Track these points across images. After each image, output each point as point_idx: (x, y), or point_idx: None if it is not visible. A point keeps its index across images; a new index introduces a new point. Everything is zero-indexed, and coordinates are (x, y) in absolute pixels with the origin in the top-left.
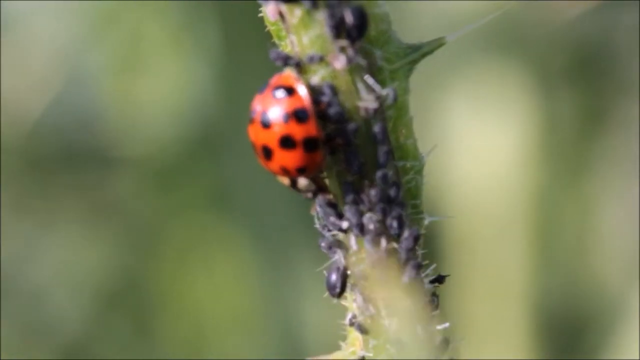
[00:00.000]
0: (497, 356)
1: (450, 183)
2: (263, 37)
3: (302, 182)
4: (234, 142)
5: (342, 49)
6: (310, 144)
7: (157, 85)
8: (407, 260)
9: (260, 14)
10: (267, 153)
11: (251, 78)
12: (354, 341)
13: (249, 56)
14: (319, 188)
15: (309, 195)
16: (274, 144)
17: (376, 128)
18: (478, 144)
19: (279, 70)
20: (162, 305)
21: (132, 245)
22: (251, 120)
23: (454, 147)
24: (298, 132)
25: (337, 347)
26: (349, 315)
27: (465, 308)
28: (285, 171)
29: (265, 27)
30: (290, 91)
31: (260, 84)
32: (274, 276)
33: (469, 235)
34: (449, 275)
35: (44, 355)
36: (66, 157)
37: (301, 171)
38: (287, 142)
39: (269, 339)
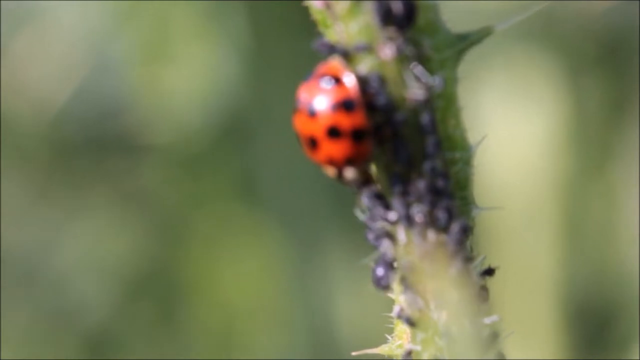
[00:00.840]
0: (526, 347)
1: (480, 173)
2: (291, 25)
3: (349, 173)
4: (262, 130)
5: (391, 38)
6: (358, 135)
7: (185, 73)
8: (456, 252)
9: (293, 1)
10: (314, 144)
11: (279, 66)
12: (401, 334)
13: (277, 44)
14: (366, 179)
15: (356, 186)
16: (320, 134)
17: (424, 118)
18: (506, 134)
19: (306, 58)
20: (189, 294)
21: (159, 233)
22: (297, 110)
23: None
24: (346, 122)
25: (368, 339)
26: (397, 308)
27: (494, 299)
28: (332, 162)
29: (295, 15)
30: (338, 81)
31: (287, 72)
32: (303, 265)
33: (497, 225)
34: (498, 268)
35: (70, 343)
36: (92, 145)
37: (348, 162)
38: (334, 133)
39: (297, 330)
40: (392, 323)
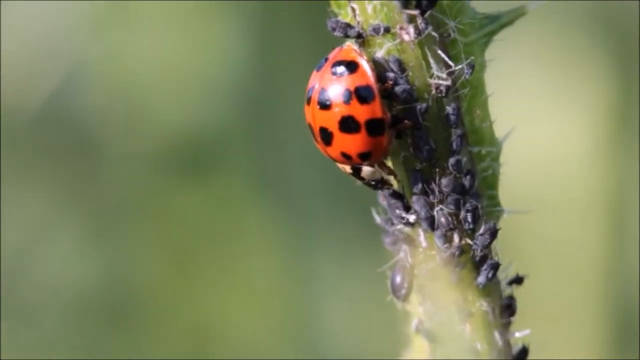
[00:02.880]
0: (570, 354)
1: (517, 171)
2: (303, 7)
3: (367, 169)
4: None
5: (411, 19)
6: (374, 126)
7: (190, 66)
8: (483, 258)
9: None
10: (326, 137)
11: (289, 58)
12: (420, 350)
13: (289, 30)
14: (384, 177)
15: (374, 185)
16: (333, 126)
17: (449, 109)
18: (538, 127)
19: (323, 43)
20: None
21: (153, 240)
22: (307, 100)
23: (523, 131)
24: (361, 112)
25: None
26: (415, 321)
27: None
28: (346, 157)
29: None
30: (352, 67)
31: (298, 63)
32: (300, 274)
33: (525, 229)
34: (528, 276)
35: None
36: (72, 151)
37: (364, 157)
38: (348, 124)
39: (289, 338)
40: (388, 328)
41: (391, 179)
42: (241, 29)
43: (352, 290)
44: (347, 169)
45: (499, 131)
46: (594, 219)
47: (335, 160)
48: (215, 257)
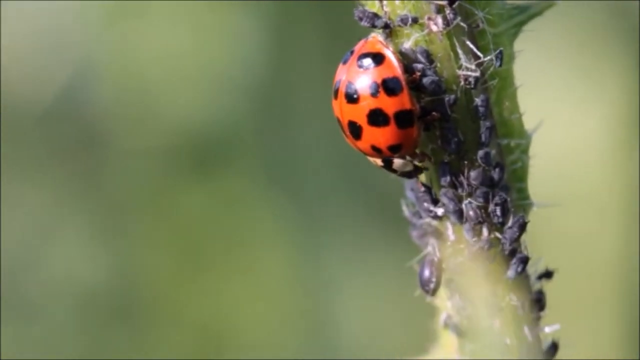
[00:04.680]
0: (589, 348)
1: (538, 165)
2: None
3: (398, 161)
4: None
5: (440, 9)
6: (403, 118)
7: (200, 62)
8: (512, 252)
9: None
10: (355, 130)
11: (301, 54)
12: (447, 344)
13: (301, 27)
14: (418, 168)
15: (406, 177)
16: (362, 119)
17: (478, 100)
18: (566, 119)
19: (336, 39)
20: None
21: (160, 238)
22: (335, 94)
23: (546, 125)
24: (389, 105)
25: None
26: (444, 316)
27: (555, 302)
28: (376, 150)
29: None
30: (379, 58)
31: (310, 60)
32: (314, 272)
33: (554, 222)
34: (557, 270)
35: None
36: (79, 148)
37: (395, 149)
38: (377, 117)
39: (302, 336)
40: (401, 325)
41: (426, 163)
42: (253, 25)
43: (364, 286)
44: (378, 162)
45: (527, 123)
46: (614, 213)
47: (365, 154)
48: (223, 254)
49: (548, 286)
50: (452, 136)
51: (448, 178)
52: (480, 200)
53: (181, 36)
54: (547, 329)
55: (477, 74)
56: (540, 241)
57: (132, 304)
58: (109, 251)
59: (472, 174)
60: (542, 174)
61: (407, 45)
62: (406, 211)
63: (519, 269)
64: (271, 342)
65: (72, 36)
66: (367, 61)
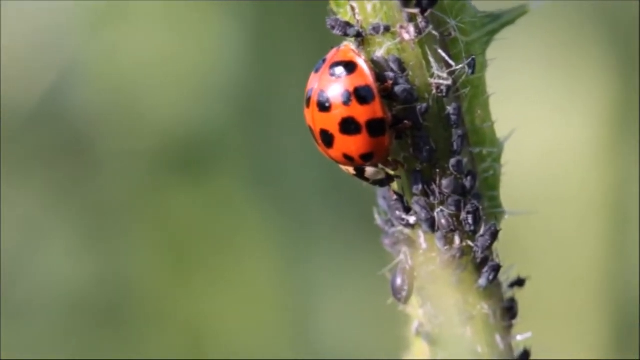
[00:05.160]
0: (570, 354)
1: (517, 172)
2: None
3: (370, 170)
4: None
5: (412, 18)
6: (375, 127)
7: (185, 64)
8: (484, 260)
9: None
10: (327, 139)
11: (284, 57)
12: (420, 353)
13: (284, 29)
14: (390, 176)
15: (379, 184)
16: (334, 128)
17: (450, 109)
18: (539, 127)
19: (318, 43)
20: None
21: (148, 240)
22: (307, 102)
23: (524, 131)
24: (361, 113)
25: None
26: (415, 324)
27: (536, 307)
28: (348, 159)
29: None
30: (351, 67)
31: (294, 62)
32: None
33: (537, 227)
34: (529, 278)
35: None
36: (67, 151)
37: (367, 158)
38: (349, 126)
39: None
40: (380, 329)
41: (399, 171)
42: (236, 28)
43: (349, 292)
44: (351, 170)
45: (500, 131)
46: (595, 218)
47: (337, 162)
48: (211, 256)
49: (530, 290)
50: (424, 144)
51: (420, 186)
52: (452, 208)
53: (167, 39)
54: (519, 337)
55: (449, 82)
56: (523, 245)
57: (120, 306)
58: (97, 253)
59: (444, 182)
60: (523, 177)
61: (380, 53)
62: (378, 219)
63: (491, 277)
64: (256, 344)
65: (58, 39)
66: (339, 70)
